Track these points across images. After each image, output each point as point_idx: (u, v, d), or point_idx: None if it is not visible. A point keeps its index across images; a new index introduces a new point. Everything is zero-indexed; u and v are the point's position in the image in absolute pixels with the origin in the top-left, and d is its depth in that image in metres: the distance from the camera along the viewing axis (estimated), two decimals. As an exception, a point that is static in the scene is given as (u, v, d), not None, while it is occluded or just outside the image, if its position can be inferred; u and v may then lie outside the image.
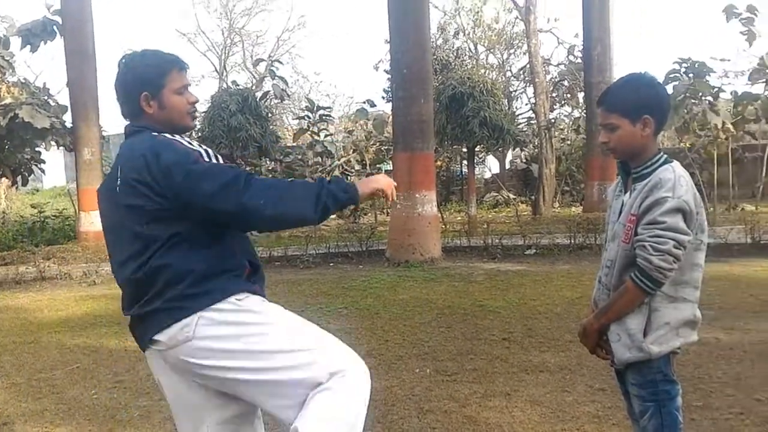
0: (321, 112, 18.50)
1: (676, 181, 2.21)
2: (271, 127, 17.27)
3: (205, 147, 2.22)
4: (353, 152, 19.67)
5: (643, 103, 2.29)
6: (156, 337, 2.15)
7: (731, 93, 15.45)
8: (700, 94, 13.29)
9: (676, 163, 2.32)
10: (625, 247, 2.28)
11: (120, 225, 2.19)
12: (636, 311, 2.27)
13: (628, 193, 2.36)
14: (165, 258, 2.11)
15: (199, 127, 17.87)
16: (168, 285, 2.11)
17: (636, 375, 2.33)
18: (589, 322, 2.40)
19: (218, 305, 2.12)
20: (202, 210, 2.07)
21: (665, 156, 2.33)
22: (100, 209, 2.33)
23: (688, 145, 14.89)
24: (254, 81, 21.94)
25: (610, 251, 2.39)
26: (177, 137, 2.22)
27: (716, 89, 13.85)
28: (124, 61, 2.29)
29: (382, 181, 2.29)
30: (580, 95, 20.28)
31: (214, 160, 2.18)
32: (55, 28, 15.48)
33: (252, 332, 2.15)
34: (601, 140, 2.40)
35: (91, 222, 14.17)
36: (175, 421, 2.39)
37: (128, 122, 2.30)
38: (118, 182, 2.16)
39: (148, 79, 2.22)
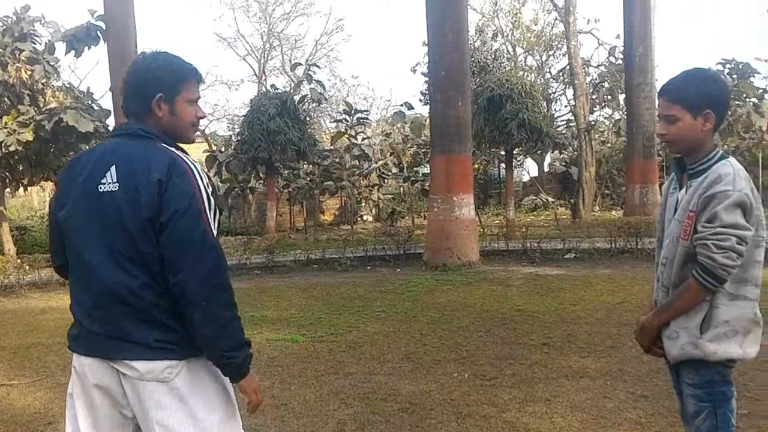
0: (358, 115, 18.56)
1: (735, 174, 2.16)
2: (309, 130, 17.34)
3: (211, 188, 2.09)
4: (390, 155, 19.69)
5: (706, 98, 2.24)
6: (132, 364, 2.05)
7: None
8: (745, 95, 13.04)
9: (732, 158, 2.27)
10: (684, 244, 2.23)
11: (109, 226, 2.05)
12: (695, 308, 2.22)
13: (683, 190, 2.31)
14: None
15: (238, 130, 18.06)
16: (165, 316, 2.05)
17: (693, 374, 2.28)
18: (648, 320, 2.37)
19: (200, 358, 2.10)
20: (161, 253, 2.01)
21: (721, 152, 2.28)
22: (64, 199, 2.17)
23: (732, 147, 14.59)
24: (292, 85, 22.05)
25: (666, 249, 2.35)
26: (190, 163, 2.09)
27: (761, 91, 13.59)
28: (143, 58, 2.21)
29: (252, 395, 2.12)
30: (621, 97, 19.99)
31: (211, 212, 2.05)
32: (99, 33, 15.74)
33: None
34: (659, 132, 2.35)
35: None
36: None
37: (129, 119, 2.19)
38: (116, 187, 2.04)
39: (166, 82, 2.13)
